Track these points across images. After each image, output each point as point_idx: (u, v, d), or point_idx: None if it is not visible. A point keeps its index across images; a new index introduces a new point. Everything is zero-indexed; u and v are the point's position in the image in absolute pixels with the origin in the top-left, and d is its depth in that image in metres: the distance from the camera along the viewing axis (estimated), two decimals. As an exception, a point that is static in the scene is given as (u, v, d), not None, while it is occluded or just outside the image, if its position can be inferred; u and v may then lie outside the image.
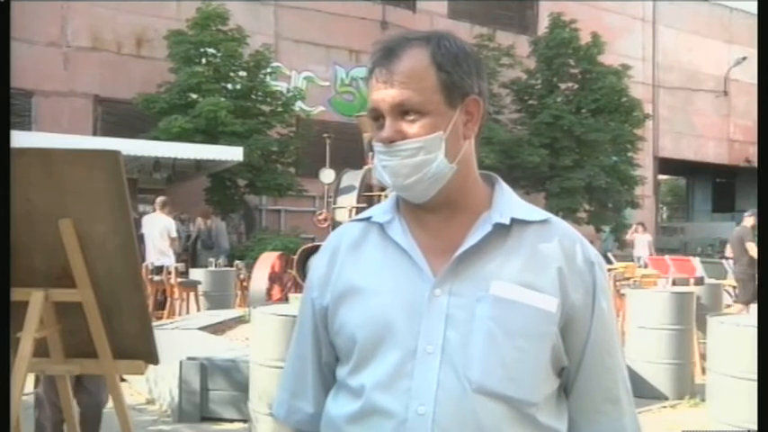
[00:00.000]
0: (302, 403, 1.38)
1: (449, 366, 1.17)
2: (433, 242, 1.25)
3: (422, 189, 1.22)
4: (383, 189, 8.22)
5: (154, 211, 10.86)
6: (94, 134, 17.71)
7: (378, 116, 1.23)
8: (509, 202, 1.28)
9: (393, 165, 1.21)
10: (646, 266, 12.63)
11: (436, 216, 1.27)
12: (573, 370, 1.26)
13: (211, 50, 16.84)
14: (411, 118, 1.20)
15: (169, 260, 10.17)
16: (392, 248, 1.26)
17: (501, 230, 1.24)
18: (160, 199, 10.84)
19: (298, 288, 8.55)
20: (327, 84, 21.79)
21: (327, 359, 1.35)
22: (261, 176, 16.96)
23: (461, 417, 1.16)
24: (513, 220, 1.25)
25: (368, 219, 1.33)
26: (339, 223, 7.30)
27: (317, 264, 1.37)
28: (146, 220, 10.67)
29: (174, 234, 10.57)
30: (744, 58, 27.94)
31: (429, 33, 1.26)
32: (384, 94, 1.21)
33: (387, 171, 1.23)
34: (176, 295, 9.84)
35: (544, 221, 1.27)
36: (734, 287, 10.75)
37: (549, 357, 1.21)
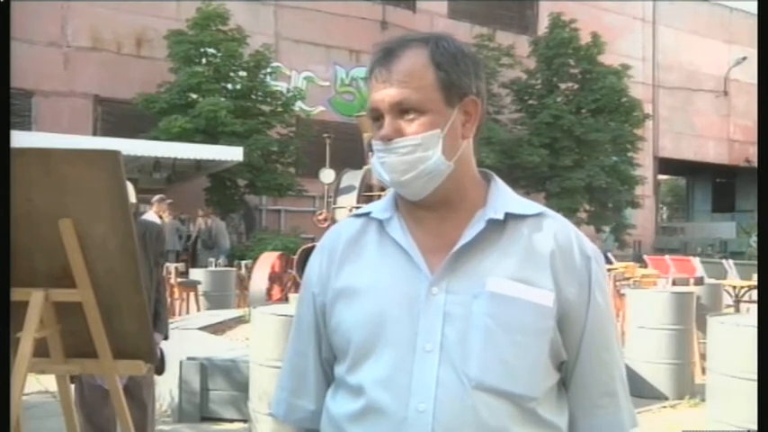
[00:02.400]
0: (303, 401, 1.38)
1: (448, 364, 1.17)
2: (429, 240, 1.26)
3: (418, 186, 1.23)
4: (383, 189, 8.22)
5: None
6: (94, 134, 17.73)
7: (378, 116, 1.25)
8: (503, 198, 1.28)
9: (390, 161, 1.23)
10: (646, 266, 12.62)
11: (433, 214, 1.27)
12: (570, 364, 1.27)
13: (211, 50, 16.85)
14: (410, 117, 1.22)
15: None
16: (390, 246, 1.27)
17: (496, 226, 1.24)
18: (155, 197, 10.88)
19: (298, 288, 8.53)
20: (327, 84, 21.81)
21: (327, 355, 1.35)
22: (261, 176, 16.97)
23: (461, 413, 1.16)
24: (508, 216, 1.25)
25: (367, 214, 1.34)
26: (339, 223, 7.28)
27: (316, 259, 1.37)
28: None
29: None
30: (744, 58, 27.96)
31: (428, 34, 1.28)
32: (383, 94, 1.22)
33: (384, 167, 1.24)
34: (176, 295, 9.84)
35: (539, 215, 1.28)
36: (734, 287, 10.74)
37: (547, 352, 1.22)
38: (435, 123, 1.22)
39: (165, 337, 3.88)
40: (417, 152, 1.21)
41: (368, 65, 1.28)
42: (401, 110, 1.22)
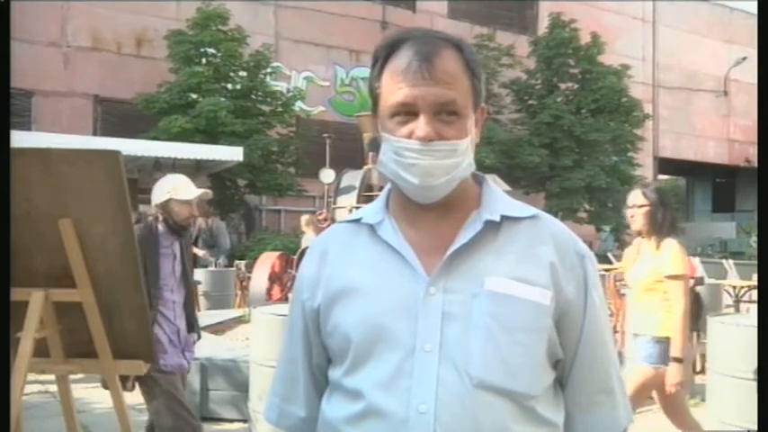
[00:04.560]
0: (294, 407, 1.38)
1: (448, 363, 1.17)
2: (424, 241, 1.25)
3: (444, 189, 1.22)
4: (383, 189, 8.23)
5: None
6: (94, 134, 17.72)
7: (404, 111, 1.21)
8: (498, 200, 1.29)
9: (426, 164, 1.19)
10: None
11: (429, 214, 1.27)
12: (568, 362, 1.27)
13: (211, 50, 16.85)
14: (448, 119, 1.19)
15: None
16: (384, 249, 1.26)
17: (492, 228, 1.25)
18: None
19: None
20: (327, 84, 21.81)
21: (318, 361, 1.34)
22: (261, 176, 16.96)
23: (463, 413, 1.16)
24: (503, 218, 1.26)
25: (357, 220, 1.33)
26: (339, 223, 7.29)
27: (306, 265, 1.36)
28: None
29: None
30: (744, 58, 27.95)
31: (453, 37, 1.26)
32: (426, 91, 1.18)
33: (415, 169, 1.19)
34: (176, 295, 9.81)
35: (533, 217, 1.28)
36: (734, 287, 10.74)
37: (545, 350, 1.22)
38: (467, 128, 1.22)
39: (198, 337, 3.93)
40: (454, 157, 1.20)
41: (379, 53, 1.24)
42: (439, 111, 1.19)
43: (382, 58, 1.24)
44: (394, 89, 1.20)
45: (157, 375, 3.46)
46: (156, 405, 3.56)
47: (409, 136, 1.19)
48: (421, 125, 1.18)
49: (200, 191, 3.71)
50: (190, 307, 3.75)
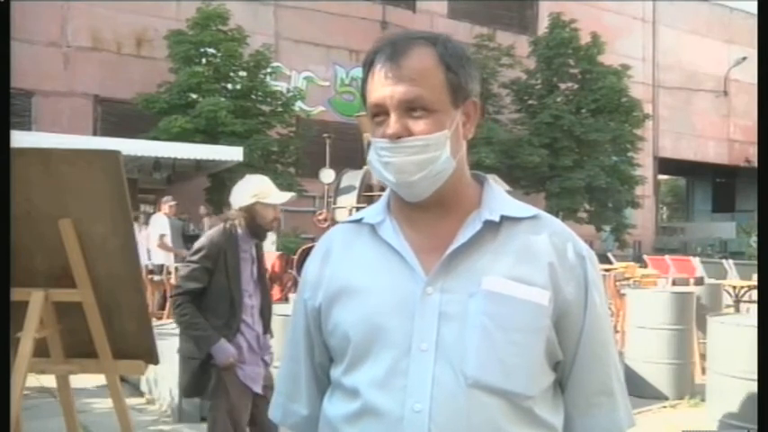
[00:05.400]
0: (297, 405, 1.39)
1: (444, 363, 1.17)
2: (424, 241, 1.26)
3: (425, 186, 1.22)
4: (383, 189, 8.24)
5: (160, 210, 11.01)
6: (94, 134, 17.72)
7: (379, 112, 1.22)
8: (498, 200, 1.28)
9: (398, 161, 1.20)
10: (646, 266, 12.63)
11: (428, 215, 1.27)
12: (568, 364, 1.27)
13: (211, 50, 16.83)
14: (417, 114, 1.20)
15: (169, 259, 10.21)
16: (384, 249, 1.27)
17: (491, 228, 1.24)
18: (164, 199, 11.00)
19: (297, 288, 8.56)
20: (327, 84, 21.80)
21: (320, 360, 1.35)
22: (261, 176, 16.94)
23: (458, 412, 1.16)
24: (503, 218, 1.25)
25: (359, 220, 1.34)
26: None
27: (309, 265, 1.37)
28: (151, 220, 10.95)
29: (164, 232, 10.54)
30: (744, 58, 27.94)
31: (432, 34, 1.27)
32: (392, 90, 1.20)
33: (390, 168, 1.21)
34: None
35: (534, 218, 1.28)
36: (734, 287, 10.74)
37: (543, 351, 1.22)
38: (442, 123, 1.21)
39: (271, 336, 3.89)
40: (426, 152, 1.20)
41: (366, 59, 1.26)
42: (409, 108, 1.20)
43: (368, 63, 1.26)
44: (370, 92, 1.24)
45: (231, 387, 3.44)
46: (213, 416, 3.54)
47: (384, 135, 1.21)
48: (390, 123, 1.20)
49: (289, 195, 3.73)
50: (268, 310, 3.74)
